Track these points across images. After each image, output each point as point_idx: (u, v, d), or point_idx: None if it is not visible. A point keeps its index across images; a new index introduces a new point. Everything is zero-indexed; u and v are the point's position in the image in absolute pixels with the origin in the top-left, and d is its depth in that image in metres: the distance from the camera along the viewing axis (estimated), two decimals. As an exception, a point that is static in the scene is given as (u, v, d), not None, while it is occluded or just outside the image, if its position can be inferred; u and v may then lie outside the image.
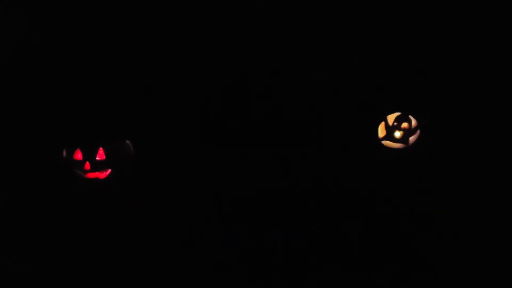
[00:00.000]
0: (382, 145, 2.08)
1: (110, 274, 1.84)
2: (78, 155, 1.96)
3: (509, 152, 2.05)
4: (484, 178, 2.02)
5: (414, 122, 2.03)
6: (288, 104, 2.14)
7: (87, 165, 1.95)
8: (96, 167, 1.96)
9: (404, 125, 2.03)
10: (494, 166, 2.04)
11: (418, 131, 2.05)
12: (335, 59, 2.12)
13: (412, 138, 2.05)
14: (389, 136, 2.05)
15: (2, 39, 2.04)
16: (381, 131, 2.07)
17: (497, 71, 2.07)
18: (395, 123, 2.03)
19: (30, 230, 1.95)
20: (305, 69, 2.14)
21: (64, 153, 1.99)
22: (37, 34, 2.06)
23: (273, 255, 1.92)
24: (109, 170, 1.98)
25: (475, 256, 1.88)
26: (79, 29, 2.07)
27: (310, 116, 2.14)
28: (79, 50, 2.08)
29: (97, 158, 1.96)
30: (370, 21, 2.09)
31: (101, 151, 1.96)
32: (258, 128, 2.13)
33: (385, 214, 1.99)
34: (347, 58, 2.12)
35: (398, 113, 2.04)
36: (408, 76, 2.09)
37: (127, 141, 2.04)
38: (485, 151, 2.06)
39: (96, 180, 1.98)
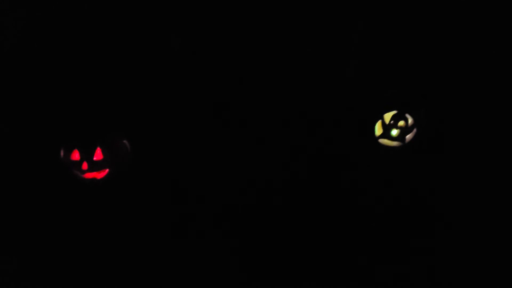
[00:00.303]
0: (379, 143, 2.08)
1: (108, 274, 1.82)
2: (76, 155, 1.95)
3: (506, 150, 2.06)
4: (482, 176, 2.03)
5: (410, 120, 2.04)
6: (285, 104, 2.14)
7: (85, 165, 1.94)
8: (93, 167, 1.95)
9: (401, 123, 2.04)
10: (492, 164, 2.05)
11: (415, 129, 2.06)
12: (332, 59, 2.14)
13: (408, 136, 2.06)
14: (386, 134, 2.06)
15: (1, 38, 2.04)
16: (378, 130, 2.08)
17: (493, 69, 2.08)
18: (392, 122, 2.04)
19: (28, 231, 1.93)
20: (303, 69, 2.15)
21: (62, 153, 1.98)
22: (35, 34, 2.07)
23: (270, 254, 1.90)
24: (107, 170, 1.98)
25: (473, 253, 1.87)
26: (77, 28, 2.07)
27: (308, 116, 2.15)
28: (76, 51, 2.09)
29: (95, 158, 1.95)
30: (366, 21, 2.11)
31: (98, 151, 1.95)
32: (256, 127, 2.14)
33: (382, 212, 1.99)
34: (343, 57, 2.14)
35: (394, 112, 2.04)
36: (404, 75, 2.11)
37: (125, 141, 2.03)
38: (482, 149, 2.07)
39: (94, 180, 1.98)
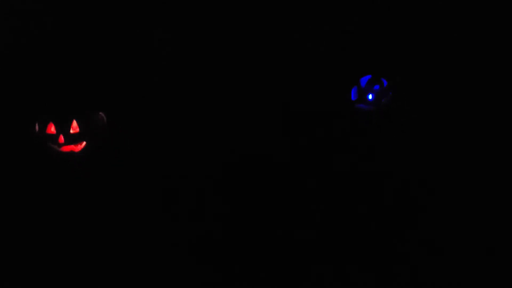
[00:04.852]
0: (356, 107, 2.11)
1: (86, 248, 1.80)
2: (51, 129, 1.93)
3: (476, 113, 2.11)
4: (454, 137, 2.08)
5: (386, 84, 2.07)
6: (266, 76, 2.15)
7: (61, 139, 1.91)
8: (70, 140, 1.93)
9: (376, 87, 2.06)
10: (464, 126, 2.10)
11: (390, 93, 2.09)
12: (310, 27, 2.14)
13: (384, 100, 2.09)
14: (362, 98, 2.09)
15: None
16: (354, 94, 2.10)
17: (467, 34, 2.11)
18: (368, 86, 2.07)
19: (6, 208, 1.91)
20: (283, 38, 2.15)
21: (37, 127, 1.95)
22: (9, 10, 2.01)
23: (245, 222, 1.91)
24: (84, 143, 1.96)
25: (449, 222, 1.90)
26: (51, 5, 2.02)
27: (286, 82, 2.16)
28: (51, 24, 2.04)
29: (71, 131, 1.93)
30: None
31: (74, 123, 1.93)
32: (234, 97, 2.14)
33: (358, 177, 2.02)
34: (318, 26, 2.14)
35: (370, 76, 2.07)
36: (379, 40, 2.12)
37: (101, 113, 2.01)
38: (455, 112, 2.12)
39: (72, 153, 1.96)
